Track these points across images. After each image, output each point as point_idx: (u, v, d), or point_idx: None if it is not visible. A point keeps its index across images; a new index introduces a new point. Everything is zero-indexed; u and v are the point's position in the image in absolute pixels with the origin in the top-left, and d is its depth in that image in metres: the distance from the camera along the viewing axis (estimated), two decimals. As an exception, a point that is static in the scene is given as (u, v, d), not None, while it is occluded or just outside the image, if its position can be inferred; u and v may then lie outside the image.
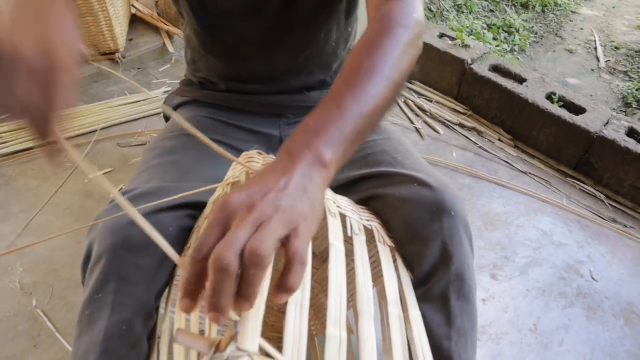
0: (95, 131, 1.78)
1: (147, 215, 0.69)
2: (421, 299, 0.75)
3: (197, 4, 0.84)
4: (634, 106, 2.24)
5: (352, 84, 0.54)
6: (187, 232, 0.75)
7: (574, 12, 3.15)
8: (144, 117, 1.88)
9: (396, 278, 0.74)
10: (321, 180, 0.47)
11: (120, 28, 2.03)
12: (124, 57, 2.05)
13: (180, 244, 0.74)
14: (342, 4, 0.88)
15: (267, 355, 0.41)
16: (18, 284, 1.30)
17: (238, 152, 0.93)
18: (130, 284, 0.67)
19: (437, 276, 0.74)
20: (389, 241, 0.78)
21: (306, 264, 0.42)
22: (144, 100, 1.94)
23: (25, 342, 1.18)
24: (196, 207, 0.76)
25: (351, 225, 0.72)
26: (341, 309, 0.55)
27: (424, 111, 2.05)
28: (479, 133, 1.98)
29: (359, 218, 0.75)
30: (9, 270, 1.33)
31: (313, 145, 0.48)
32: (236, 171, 0.69)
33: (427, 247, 0.73)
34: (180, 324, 0.63)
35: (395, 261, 0.77)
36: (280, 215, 0.41)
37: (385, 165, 0.81)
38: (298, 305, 0.50)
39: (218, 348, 0.40)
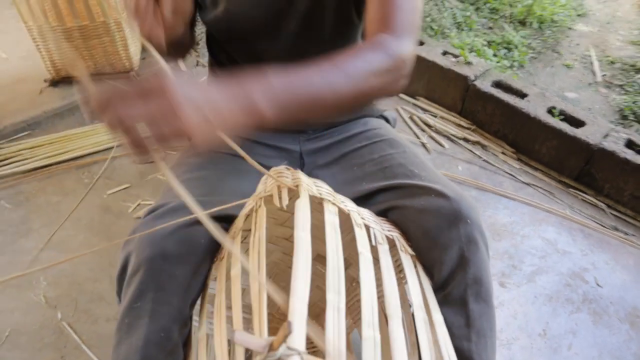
0: (111, 148, 1.83)
1: (180, 228, 0.74)
2: (441, 303, 0.80)
3: (222, 26, 0.90)
4: (630, 118, 2.31)
5: (318, 68, 0.63)
6: (218, 243, 0.79)
7: (569, 28, 3.23)
8: (158, 134, 1.94)
9: (418, 284, 0.78)
10: (244, 116, 0.57)
11: (135, 47, 2.10)
12: (138, 76, 2.12)
13: (211, 254, 0.79)
14: (357, 25, 0.93)
15: (315, 354, 0.45)
16: (43, 297, 1.34)
17: (262, 166, 0.98)
18: (167, 293, 0.71)
19: (455, 280, 0.79)
20: (409, 250, 0.83)
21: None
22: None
23: (52, 354, 1.22)
24: (226, 220, 0.80)
25: (375, 236, 0.77)
26: (373, 312, 0.59)
27: (429, 126, 2.12)
28: (483, 147, 2.04)
29: (381, 229, 0.80)
30: (34, 284, 1.38)
31: (259, 89, 0.57)
32: (267, 185, 0.74)
33: (445, 253, 0.77)
34: (221, 330, 0.66)
35: (415, 268, 0.82)
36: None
37: (403, 177, 0.86)
38: (336, 309, 0.55)
39: (271, 347, 0.44)
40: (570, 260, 1.60)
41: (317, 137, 1.03)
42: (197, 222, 0.75)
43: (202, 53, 2.42)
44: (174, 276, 0.71)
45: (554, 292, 1.49)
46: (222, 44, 0.97)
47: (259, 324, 0.52)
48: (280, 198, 0.67)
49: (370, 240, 0.74)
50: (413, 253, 0.83)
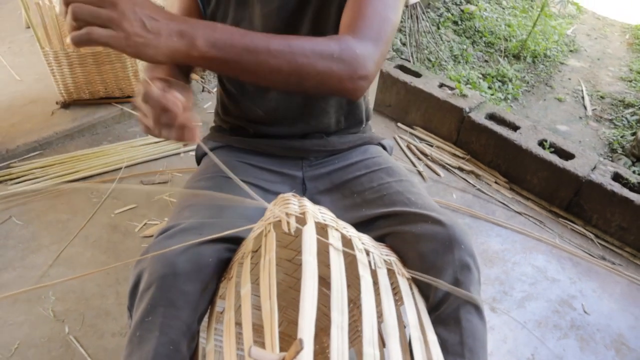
0: (119, 169, 1.90)
1: (190, 247, 0.80)
2: (436, 322, 0.86)
3: None
4: (619, 152, 2.40)
5: (265, 34, 0.71)
6: (225, 263, 0.85)
7: (562, 63, 3.36)
8: (164, 157, 2.02)
9: (414, 305, 0.85)
10: (177, 41, 0.67)
11: (142, 74, 2.19)
12: (146, 100, 2.20)
13: (218, 273, 0.84)
14: None
15: None
16: (51, 312, 1.39)
17: (265, 191, 1.04)
18: (177, 308, 0.76)
19: (449, 301, 0.84)
20: (406, 273, 0.90)
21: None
22: (164, 140, 2.08)
23: (59, 366, 1.27)
24: (232, 242, 0.86)
25: (374, 260, 0.83)
26: (374, 331, 0.65)
27: (425, 155, 2.20)
28: (477, 176, 2.12)
29: (380, 253, 0.87)
30: (42, 298, 1.43)
31: (202, 26, 0.68)
32: (274, 212, 0.80)
33: (440, 276, 0.83)
34: (231, 345, 0.72)
35: (411, 290, 0.89)
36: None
37: (400, 205, 0.92)
38: (339, 327, 0.61)
39: None
40: (559, 287, 1.67)
41: (319, 163, 1.10)
42: (206, 243, 0.82)
43: (207, 79, 2.51)
44: (184, 293, 0.77)
45: (543, 318, 1.55)
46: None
47: (271, 340, 0.56)
48: (288, 224, 0.73)
49: (370, 264, 0.80)
50: (409, 276, 0.89)
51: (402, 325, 0.85)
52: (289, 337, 1.24)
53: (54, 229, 1.65)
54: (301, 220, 0.73)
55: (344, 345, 0.59)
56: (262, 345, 0.58)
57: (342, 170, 1.08)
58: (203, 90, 2.46)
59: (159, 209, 1.77)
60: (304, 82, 0.74)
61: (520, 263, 1.74)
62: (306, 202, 0.78)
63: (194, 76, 2.38)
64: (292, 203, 0.77)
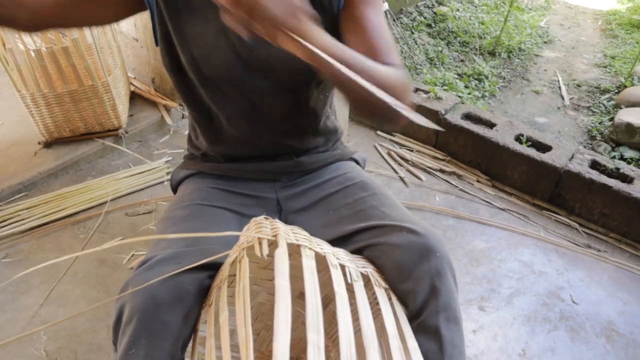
0: (105, 203, 1.92)
1: (169, 278, 0.82)
2: (416, 331, 0.87)
3: (189, 71, 0.97)
4: (598, 138, 2.43)
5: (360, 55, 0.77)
6: (206, 290, 0.87)
7: (537, 55, 3.40)
8: (148, 187, 2.04)
9: (392, 314, 0.87)
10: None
11: (122, 106, 2.22)
12: (126, 132, 2.23)
13: (200, 300, 0.86)
14: (317, 74, 1.00)
15: None
16: (43, 352, 1.40)
17: (240, 215, 1.06)
18: (159, 339, 0.77)
19: (428, 308, 0.86)
20: (383, 283, 0.91)
21: None
22: (147, 170, 2.10)
23: (54, 405, 1.28)
24: (212, 268, 0.88)
25: (350, 274, 0.85)
26: (351, 347, 0.67)
27: (406, 160, 2.22)
28: (459, 176, 2.15)
29: (356, 266, 0.89)
30: (34, 339, 1.44)
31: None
32: (248, 237, 0.82)
33: (418, 284, 0.85)
34: None
35: (390, 299, 0.91)
36: None
37: (376, 219, 0.94)
38: (316, 347, 0.63)
39: None
40: (546, 280, 1.68)
41: (292, 184, 1.12)
42: (184, 272, 0.83)
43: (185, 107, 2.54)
44: (165, 322, 0.78)
45: (532, 313, 1.56)
46: (192, 96, 1.04)
47: None
48: (260, 249, 0.75)
49: (345, 279, 0.82)
50: (387, 286, 0.91)
51: (385, 336, 0.87)
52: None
53: (43, 268, 1.66)
54: (275, 243, 0.75)
55: None
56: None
57: (316, 188, 1.10)
58: (183, 117, 2.48)
59: (146, 240, 1.78)
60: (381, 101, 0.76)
61: (507, 259, 1.76)
62: (279, 224, 0.80)
63: (172, 104, 2.41)
64: (265, 226, 0.78)
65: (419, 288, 0.85)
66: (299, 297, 1.14)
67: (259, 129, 1.05)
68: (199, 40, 0.93)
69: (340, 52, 0.72)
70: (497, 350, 1.44)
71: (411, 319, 0.88)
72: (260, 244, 0.75)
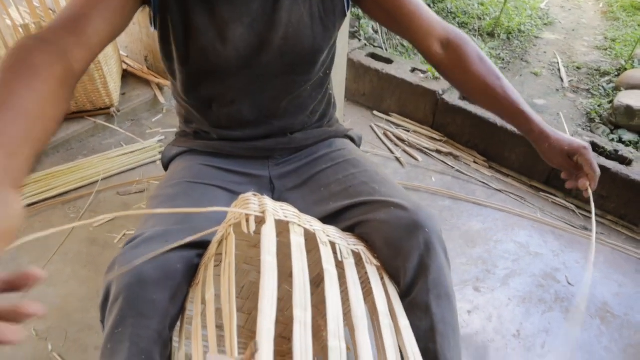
0: (96, 182, 1.89)
1: (156, 257, 0.80)
2: (407, 309, 0.86)
3: (195, 61, 0.93)
4: (597, 121, 2.40)
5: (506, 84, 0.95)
6: (194, 269, 0.85)
7: (537, 37, 3.36)
8: (140, 166, 2.00)
9: (384, 292, 0.85)
10: None
11: (114, 84, 2.17)
12: (118, 111, 2.19)
13: (188, 278, 0.84)
14: (325, 55, 0.99)
15: None
16: (33, 331, 1.38)
17: (232, 193, 1.03)
18: (146, 318, 0.75)
19: (418, 285, 0.85)
20: (374, 261, 0.89)
21: None
22: (139, 149, 2.07)
23: (44, 384, 1.26)
24: (200, 246, 0.86)
25: (340, 251, 0.83)
26: (339, 323, 0.65)
27: (402, 141, 2.20)
28: (455, 157, 2.12)
29: (347, 244, 0.86)
30: (24, 318, 1.42)
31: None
32: (235, 213, 0.80)
33: (407, 261, 0.84)
34: (198, 351, 0.71)
35: (382, 278, 0.89)
36: None
37: (365, 195, 0.92)
38: (302, 324, 0.61)
39: None
40: (542, 261, 1.67)
41: (284, 161, 1.09)
42: (172, 250, 0.81)
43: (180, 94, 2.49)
44: (152, 301, 0.76)
45: (527, 294, 1.55)
46: (190, 83, 0.99)
47: (230, 345, 0.56)
48: (247, 225, 0.72)
49: (336, 256, 0.80)
50: (378, 264, 0.89)
51: (376, 314, 0.85)
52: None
53: (33, 248, 1.64)
54: (263, 219, 0.72)
55: (307, 342, 0.58)
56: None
57: (308, 166, 1.08)
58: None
59: (137, 219, 1.75)
60: None
61: (503, 241, 1.74)
62: (267, 200, 0.77)
63: (165, 82, 2.37)
64: (253, 203, 0.76)
65: (408, 265, 0.84)
66: (290, 276, 1.12)
67: (259, 110, 1.02)
68: (208, 31, 0.89)
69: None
70: (492, 331, 1.43)
71: (402, 296, 0.87)
72: (247, 220, 0.73)
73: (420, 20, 0.94)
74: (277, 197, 1.08)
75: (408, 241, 0.84)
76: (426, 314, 0.85)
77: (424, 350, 0.85)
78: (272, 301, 0.59)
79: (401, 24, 0.96)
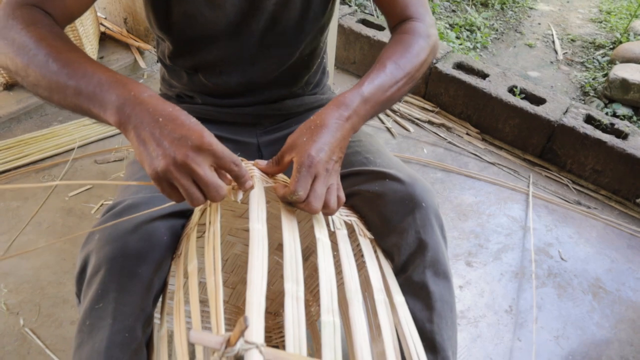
0: (72, 149, 1.79)
1: (141, 224, 0.72)
2: (402, 286, 0.80)
3: (180, 28, 0.86)
4: (591, 94, 2.35)
5: (389, 75, 0.74)
6: (178, 239, 0.78)
7: (531, 8, 3.27)
8: (119, 133, 1.90)
9: (378, 267, 0.79)
10: (347, 143, 0.71)
11: (91, 46, 2.05)
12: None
13: (172, 251, 0.77)
14: (321, 22, 0.92)
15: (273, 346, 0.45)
16: (4, 305, 1.31)
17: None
18: (129, 293, 0.69)
19: (414, 263, 0.80)
20: (369, 234, 0.83)
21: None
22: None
23: (15, 360, 1.20)
24: (183, 216, 0.79)
25: (333, 221, 0.77)
26: (332, 297, 0.59)
27: (393, 111, 2.12)
28: (448, 129, 2.06)
29: (339, 214, 0.80)
30: (-6, 291, 1.34)
31: (359, 116, 0.72)
32: None
33: (402, 237, 0.78)
34: (181, 328, 0.65)
35: (375, 251, 0.83)
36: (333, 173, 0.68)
37: (358, 165, 0.87)
38: (294, 298, 0.55)
39: (228, 343, 0.43)
40: (535, 236, 1.63)
41: (274, 128, 1.02)
42: (158, 218, 0.74)
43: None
44: (136, 274, 0.70)
45: (520, 269, 1.51)
46: (178, 51, 0.92)
47: (216, 321, 0.51)
48: (235, 193, 0.66)
49: (328, 226, 0.74)
50: (372, 237, 0.84)
51: (370, 290, 0.80)
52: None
53: (4, 218, 1.55)
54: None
55: (300, 316, 0.53)
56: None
57: None
58: (158, 61, 2.32)
59: (115, 188, 1.67)
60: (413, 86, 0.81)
61: (495, 214, 1.70)
62: (252, 166, 0.71)
63: (146, 46, 2.25)
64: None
65: (403, 242, 0.79)
66: (277, 248, 1.06)
67: (249, 81, 0.95)
68: None
69: (377, 95, 0.73)
70: (483, 306, 1.39)
71: (397, 273, 0.82)
72: (233, 187, 0.66)
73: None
74: None
75: (403, 217, 0.78)
76: (422, 292, 0.80)
77: (420, 330, 0.80)
78: (263, 273, 0.54)
79: None
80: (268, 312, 1.17)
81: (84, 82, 0.58)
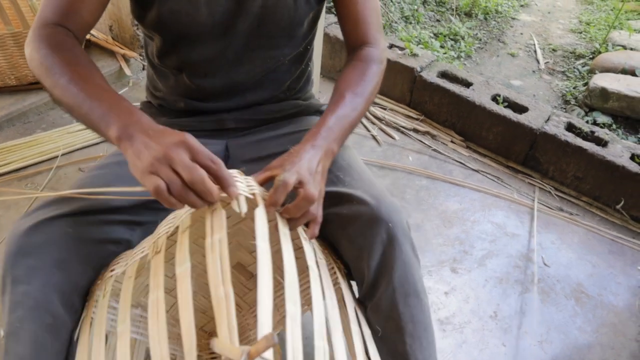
0: (56, 157, 1.78)
1: (43, 223, 0.74)
2: (372, 311, 0.81)
3: (166, 25, 0.86)
4: (572, 103, 2.40)
5: (351, 105, 0.84)
6: (92, 237, 0.79)
7: (513, 18, 3.34)
8: (104, 141, 1.89)
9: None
10: (328, 163, 0.78)
11: (75, 54, 2.03)
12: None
13: (80, 246, 0.77)
14: (305, 27, 0.93)
15: None
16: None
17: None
18: (22, 284, 0.72)
19: (382, 285, 0.79)
20: (324, 258, 0.84)
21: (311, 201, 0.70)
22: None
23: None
24: (95, 213, 0.80)
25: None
26: (322, 324, 0.60)
27: (379, 119, 2.14)
28: (432, 136, 2.08)
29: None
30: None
31: (329, 141, 0.78)
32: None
33: (370, 258, 0.78)
34: (160, 330, 0.64)
35: (341, 277, 0.84)
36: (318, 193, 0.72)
37: (328, 184, 0.83)
38: (293, 319, 0.56)
39: (249, 356, 0.45)
40: (518, 242, 1.65)
41: (244, 133, 1.02)
42: (64, 216, 0.75)
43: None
44: (30, 267, 0.72)
45: (504, 275, 1.53)
46: (164, 50, 0.92)
47: (229, 332, 0.51)
48: (239, 204, 0.66)
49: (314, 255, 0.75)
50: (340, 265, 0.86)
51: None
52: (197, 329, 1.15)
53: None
54: (250, 201, 0.67)
55: (297, 335, 0.54)
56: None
57: (270, 141, 1.00)
58: (144, 69, 2.32)
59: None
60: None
61: (480, 221, 1.72)
62: (253, 182, 0.72)
63: (131, 54, 2.24)
64: (239, 181, 0.70)
65: (371, 262, 0.79)
66: (234, 267, 1.04)
67: (233, 84, 0.96)
68: None
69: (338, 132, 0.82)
70: (468, 312, 1.40)
71: (366, 297, 0.83)
72: (233, 200, 0.66)
73: (357, 21, 0.93)
74: (230, 167, 1.01)
75: (369, 237, 0.78)
76: (393, 314, 0.80)
77: (392, 353, 0.81)
78: (270, 294, 0.55)
79: (342, 14, 0.95)
80: (203, 331, 1.15)
81: (96, 105, 0.68)
